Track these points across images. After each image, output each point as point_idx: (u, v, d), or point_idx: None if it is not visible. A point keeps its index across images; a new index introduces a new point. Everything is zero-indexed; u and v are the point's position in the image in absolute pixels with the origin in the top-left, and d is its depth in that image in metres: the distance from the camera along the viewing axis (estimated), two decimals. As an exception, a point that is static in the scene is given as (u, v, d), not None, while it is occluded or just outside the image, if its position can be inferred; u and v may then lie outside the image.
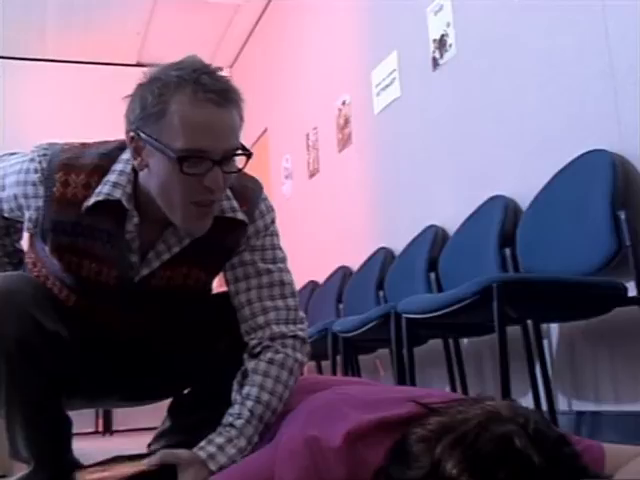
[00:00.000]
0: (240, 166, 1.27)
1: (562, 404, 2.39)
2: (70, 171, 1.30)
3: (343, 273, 3.88)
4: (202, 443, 1.22)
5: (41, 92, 5.94)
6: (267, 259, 1.40)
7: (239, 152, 1.24)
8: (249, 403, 1.26)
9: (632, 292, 1.99)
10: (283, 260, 1.42)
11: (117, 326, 1.42)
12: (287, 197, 5.05)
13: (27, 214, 1.34)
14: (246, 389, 1.29)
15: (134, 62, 6.21)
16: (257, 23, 5.79)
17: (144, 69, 1.24)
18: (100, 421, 5.27)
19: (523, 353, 2.35)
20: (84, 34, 5.78)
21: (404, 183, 3.48)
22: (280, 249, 1.43)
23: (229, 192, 1.35)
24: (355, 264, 3.75)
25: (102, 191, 1.28)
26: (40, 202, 1.30)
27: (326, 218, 4.40)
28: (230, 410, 1.28)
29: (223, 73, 1.25)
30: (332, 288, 3.87)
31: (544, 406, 2.31)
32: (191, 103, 1.17)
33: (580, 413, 2.32)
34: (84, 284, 1.36)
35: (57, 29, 5.70)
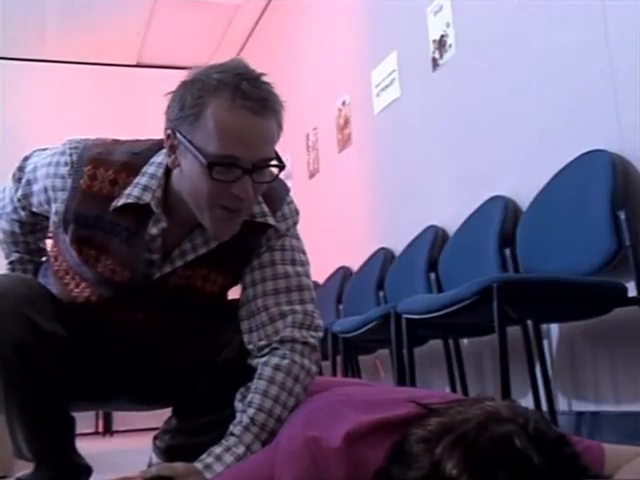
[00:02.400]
0: (273, 176, 1.27)
1: (562, 404, 2.39)
2: (99, 165, 1.30)
3: (343, 273, 3.88)
4: (203, 455, 1.20)
5: (41, 92, 5.94)
6: (286, 260, 1.37)
7: (272, 163, 1.24)
8: (250, 410, 1.24)
9: (632, 292, 1.99)
10: (303, 264, 1.39)
11: (129, 323, 1.39)
12: (287, 197, 5.04)
13: (54, 207, 1.34)
14: (249, 396, 1.26)
15: (134, 62, 6.21)
16: (257, 23, 5.79)
17: (189, 70, 1.23)
18: (100, 422, 5.27)
19: (523, 353, 2.35)
20: (84, 34, 5.78)
21: (404, 183, 3.48)
22: (301, 252, 1.40)
23: (262, 200, 1.34)
24: (355, 264, 3.75)
25: (132, 193, 1.28)
26: (66, 194, 1.31)
27: (326, 218, 4.40)
28: (234, 421, 1.25)
29: (266, 79, 1.23)
30: (332, 288, 3.87)
31: (544, 406, 2.31)
32: (228, 108, 1.16)
33: (580, 413, 2.32)
34: (100, 278, 1.35)
35: (57, 29, 5.70)
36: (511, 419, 0.79)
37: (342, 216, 4.18)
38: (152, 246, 1.31)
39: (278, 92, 1.25)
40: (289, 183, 5.89)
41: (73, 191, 1.30)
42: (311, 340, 1.32)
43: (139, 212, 1.28)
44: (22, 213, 1.49)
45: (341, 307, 3.69)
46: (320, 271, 4.12)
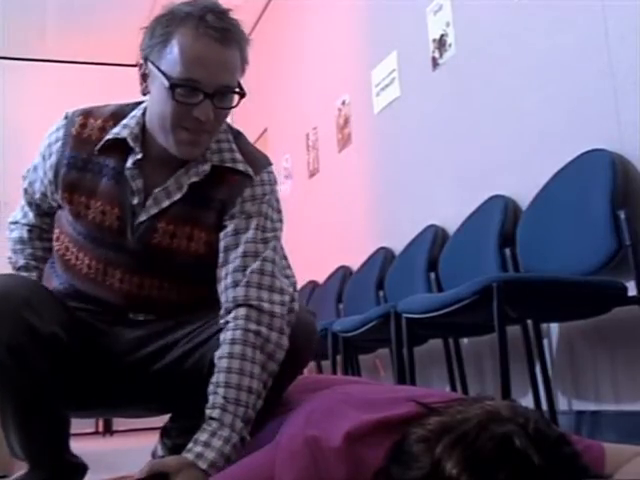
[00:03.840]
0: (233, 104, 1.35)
1: (562, 404, 2.39)
2: (89, 116, 1.44)
3: (343, 273, 3.88)
4: (189, 445, 1.20)
5: (41, 92, 5.94)
6: (259, 226, 1.39)
7: (232, 90, 1.33)
8: (220, 390, 1.24)
9: (632, 292, 1.99)
10: (274, 230, 1.41)
11: (126, 290, 1.42)
12: (287, 197, 5.05)
13: (48, 164, 1.45)
14: (214, 377, 1.26)
15: (134, 62, 6.21)
16: (257, 23, 5.79)
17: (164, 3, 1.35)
18: (100, 421, 5.27)
19: (523, 353, 2.35)
20: (84, 34, 5.78)
21: (404, 183, 3.48)
22: (272, 220, 1.42)
23: (236, 150, 1.42)
24: (355, 264, 3.75)
25: (113, 131, 1.40)
26: (59, 143, 1.44)
27: (326, 218, 4.40)
28: (207, 404, 1.25)
29: (233, 15, 1.35)
30: (332, 288, 3.87)
31: (544, 406, 2.31)
32: (191, 36, 1.27)
33: (580, 413, 2.32)
34: (92, 233, 1.41)
35: (57, 29, 5.70)
36: (511, 419, 0.79)
37: (342, 216, 4.18)
38: (133, 186, 1.39)
39: (244, 29, 1.38)
40: (289, 183, 5.91)
41: (65, 138, 1.44)
42: (266, 306, 1.31)
43: (122, 150, 1.40)
44: (30, 214, 1.60)
45: (341, 307, 3.69)
46: (320, 271, 4.12)
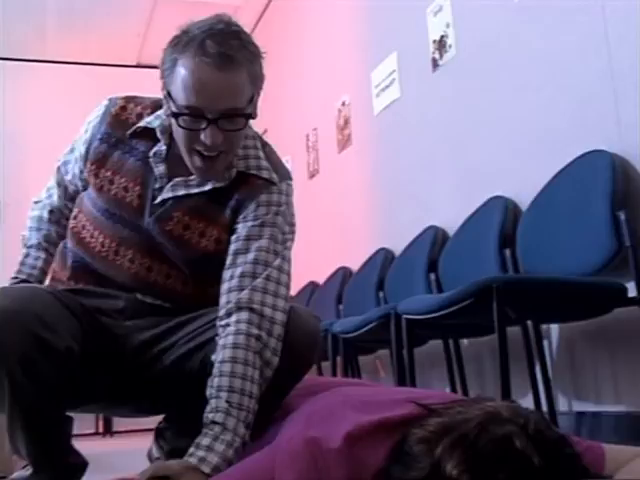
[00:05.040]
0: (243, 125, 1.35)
1: (562, 404, 2.39)
2: (130, 101, 1.50)
3: (343, 274, 3.88)
4: (191, 449, 1.20)
5: (41, 93, 5.93)
6: (272, 237, 1.40)
7: (239, 113, 1.33)
8: (223, 394, 1.24)
9: (632, 292, 1.98)
10: (284, 242, 1.42)
11: (136, 271, 1.44)
12: (287, 198, 5.04)
13: (83, 138, 1.51)
14: (216, 380, 1.26)
15: (134, 63, 6.21)
16: (257, 24, 5.79)
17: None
18: (100, 422, 5.27)
19: (523, 353, 2.35)
20: (84, 35, 5.78)
21: (404, 183, 3.48)
22: (284, 232, 1.43)
23: (263, 158, 1.45)
24: (355, 265, 3.75)
25: (147, 120, 1.46)
26: (98, 119, 1.50)
27: (326, 218, 4.40)
28: (208, 407, 1.25)
29: (239, 33, 1.33)
30: (332, 289, 3.87)
31: (544, 406, 2.31)
32: (191, 64, 1.29)
33: (580, 413, 2.32)
34: (112, 209, 1.45)
35: (57, 30, 5.70)
36: (511, 420, 0.79)
37: (342, 216, 4.18)
38: (156, 171, 1.43)
39: (252, 43, 1.34)
40: (289, 183, 5.75)
41: (103, 117, 1.49)
42: (267, 311, 1.33)
43: (152, 139, 1.44)
44: (54, 196, 1.64)
45: (341, 307, 3.69)
46: (320, 271, 4.12)
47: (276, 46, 5.34)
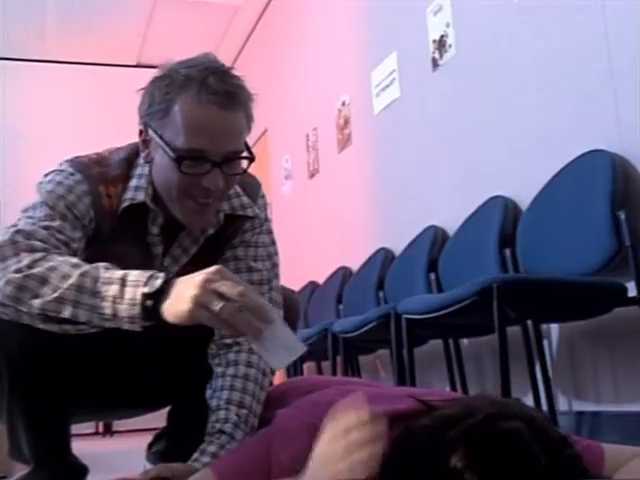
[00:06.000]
0: (243, 168, 1.29)
1: (562, 404, 2.39)
2: (109, 184, 1.31)
3: (343, 273, 3.88)
4: (195, 455, 1.21)
5: (41, 93, 5.94)
6: (259, 256, 1.43)
7: (241, 155, 1.26)
8: (233, 408, 1.26)
9: (632, 292, 1.98)
10: (270, 257, 1.45)
11: None
12: (287, 197, 5.05)
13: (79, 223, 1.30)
14: (226, 393, 1.28)
15: (134, 63, 6.21)
16: (257, 24, 5.79)
17: (160, 64, 1.27)
18: (100, 422, 5.26)
19: (523, 353, 2.35)
20: (84, 35, 5.78)
21: (404, 183, 3.48)
22: (272, 245, 1.47)
23: (242, 193, 1.39)
24: (355, 264, 3.75)
25: (127, 197, 1.31)
26: (92, 212, 1.29)
27: (326, 218, 4.40)
28: (214, 417, 1.26)
29: (235, 73, 1.25)
30: (332, 288, 3.87)
31: (544, 406, 2.31)
32: (194, 103, 1.19)
33: (580, 413, 2.32)
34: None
35: (57, 30, 5.71)
36: (518, 415, 0.79)
37: (342, 216, 4.18)
38: (154, 251, 1.34)
39: (247, 84, 1.27)
40: (289, 184, 5.91)
41: (97, 211, 1.29)
42: None
43: (138, 214, 1.31)
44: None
45: (341, 307, 3.68)
46: (320, 271, 4.12)
47: (276, 46, 5.34)
